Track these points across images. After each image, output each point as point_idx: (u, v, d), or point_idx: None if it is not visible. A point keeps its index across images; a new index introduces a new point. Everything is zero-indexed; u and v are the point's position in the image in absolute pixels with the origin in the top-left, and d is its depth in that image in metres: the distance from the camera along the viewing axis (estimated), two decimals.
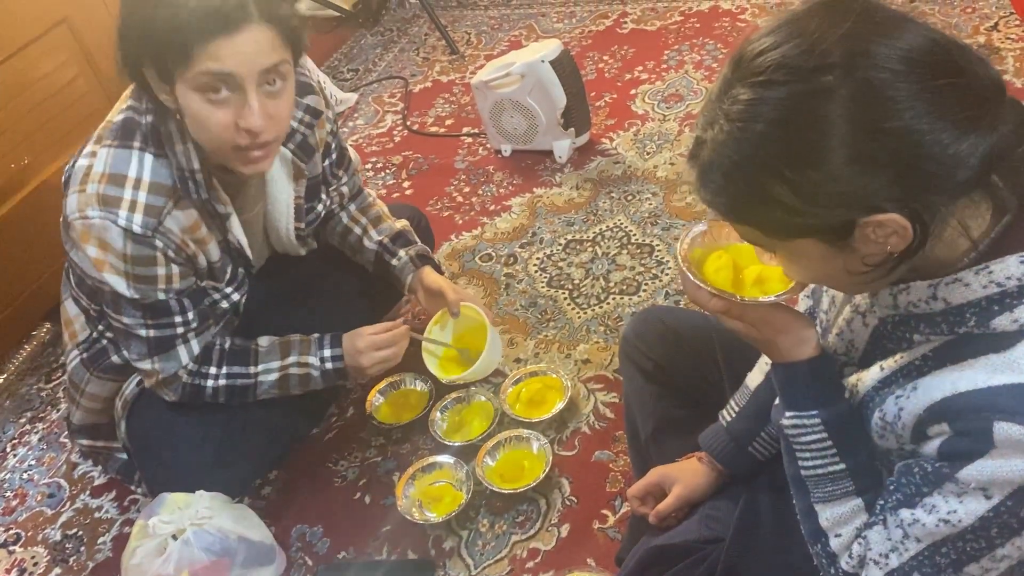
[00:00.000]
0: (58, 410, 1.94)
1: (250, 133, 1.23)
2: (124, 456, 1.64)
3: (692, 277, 0.92)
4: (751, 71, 0.72)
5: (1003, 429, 0.71)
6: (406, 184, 2.43)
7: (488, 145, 2.49)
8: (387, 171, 2.50)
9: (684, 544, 1.08)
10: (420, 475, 1.57)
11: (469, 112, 2.67)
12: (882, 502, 0.85)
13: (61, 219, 1.33)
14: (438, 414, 1.68)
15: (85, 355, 1.54)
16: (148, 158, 1.29)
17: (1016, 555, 0.76)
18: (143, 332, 1.39)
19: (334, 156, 1.61)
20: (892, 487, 0.84)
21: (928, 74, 0.68)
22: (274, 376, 1.50)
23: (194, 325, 1.43)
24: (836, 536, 0.88)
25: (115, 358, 1.52)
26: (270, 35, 1.20)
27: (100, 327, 1.52)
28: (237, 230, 1.43)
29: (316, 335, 1.54)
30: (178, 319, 1.41)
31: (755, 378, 1.17)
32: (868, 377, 0.88)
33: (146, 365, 1.43)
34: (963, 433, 0.75)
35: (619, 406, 1.64)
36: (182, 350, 1.44)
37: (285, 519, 1.60)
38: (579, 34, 2.95)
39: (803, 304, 1.14)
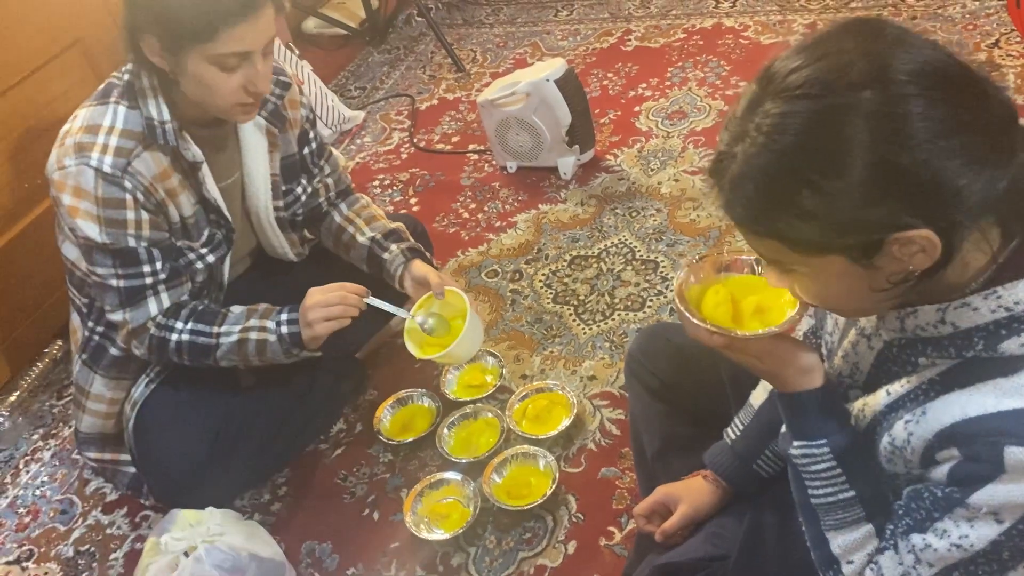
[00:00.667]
0: (70, 426, 1.96)
1: (256, 94, 1.39)
2: (132, 470, 1.67)
3: (690, 315, 0.93)
4: (783, 87, 0.73)
5: (1014, 454, 0.72)
6: (413, 201, 2.46)
7: (494, 162, 2.51)
8: (394, 188, 2.53)
9: (690, 562, 1.09)
10: (428, 492, 1.58)
11: (475, 129, 2.70)
12: (892, 527, 0.86)
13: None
14: (445, 430, 1.70)
15: (85, 356, 1.60)
16: (121, 109, 1.41)
17: None
18: (114, 282, 1.45)
19: (314, 146, 1.69)
20: (901, 512, 0.85)
21: (956, 98, 0.70)
22: (234, 338, 1.51)
23: (163, 277, 1.48)
24: (848, 563, 0.89)
25: (113, 350, 1.57)
26: (272, 9, 1.35)
27: (90, 323, 1.58)
28: (211, 184, 1.49)
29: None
30: (146, 268, 1.46)
31: (759, 396, 1.19)
32: (875, 402, 0.88)
33: (118, 316, 1.49)
34: (973, 458, 0.75)
35: (625, 423, 1.65)
36: (151, 301, 1.49)
37: (294, 535, 1.62)
38: (583, 51, 2.98)
39: (806, 323, 1.15)
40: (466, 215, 2.35)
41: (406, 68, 3.18)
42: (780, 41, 2.75)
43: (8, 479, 1.87)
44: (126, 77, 1.41)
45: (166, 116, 1.40)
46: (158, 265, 1.47)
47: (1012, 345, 0.74)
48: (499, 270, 2.13)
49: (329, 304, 1.49)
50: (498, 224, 2.29)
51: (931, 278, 0.75)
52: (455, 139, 2.70)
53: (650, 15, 3.11)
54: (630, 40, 2.98)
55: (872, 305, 0.81)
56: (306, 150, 1.67)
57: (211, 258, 1.54)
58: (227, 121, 1.50)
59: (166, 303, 1.50)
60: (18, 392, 2.02)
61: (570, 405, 1.67)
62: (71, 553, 1.68)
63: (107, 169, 1.37)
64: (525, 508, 1.51)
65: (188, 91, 1.38)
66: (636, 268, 2.03)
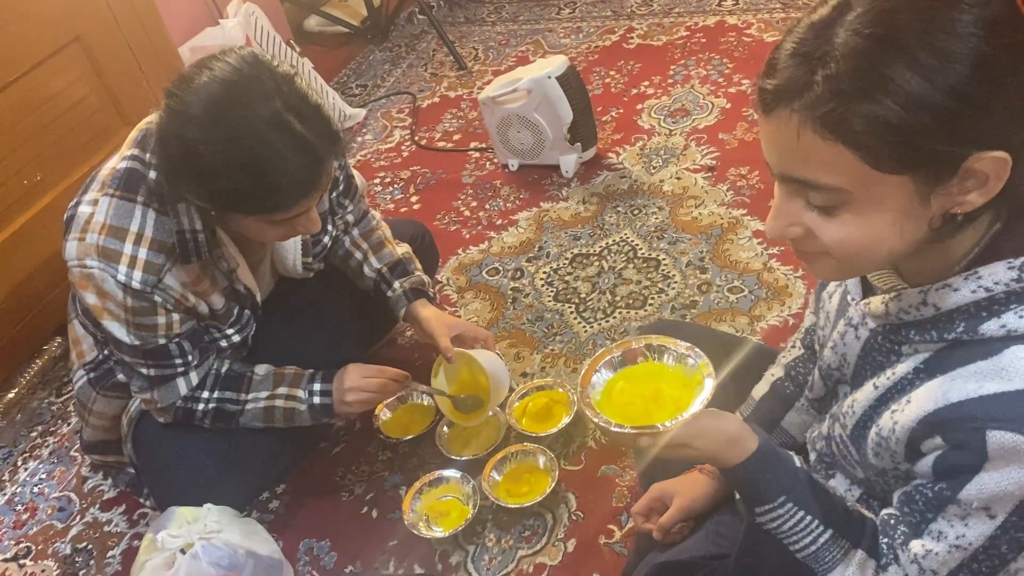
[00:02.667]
0: (69, 424, 1.95)
1: (306, 234, 1.34)
2: (133, 471, 1.66)
3: (607, 424, 0.92)
4: None
5: (996, 438, 0.71)
6: (414, 199, 2.45)
7: (495, 160, 2.50)
8: (395, 186, 2.52)
9: (691, 560, 1.08)
10: (427, 489, 1.57)
11: (476, 127, 2.69)
12: (887, 540, 0.85)
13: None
14: (445, 428, 1.69)
15: (92, 375, 1.56)
16: (151, 214, 1.30)
17: None
18: (144, 371, 1.42)
19: (340, 187, 1.61)
20: (895, 521, 0.84)
21: None
22: (261, 404, 1.51)
23: (194, 363, 1.45)
24: None
25: (121, 376, 1.54)
26: (333, 165, 1.27)
27: (107, 351, 1.54)
28: (245, 277, 1.44)
29: (310, 371, 1.54)
30: (178, 361, 1.43)
31: (760, 389, 1.18)
32: (863, 397, 0.88)
33: (146, 395, 1.46)
34: (957, 446, 0.75)
35: None
36: (181, 382, 1.46)
37: (292, 533, 1.61)
38: (586, 49, 2.97)
39: (808, 320, 1.15)
40: (467, 213, 2.34)
41: (407, 66, 3.17)
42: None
43: (6, 476, 1.86)
44: (153, 174, 1.29)
45: (199, 226, 1.31)
46: (189, 358, 1.43)
47: (992, 327, 0.74)
48: (500, 268, 2.12)
49: (369, 389, 1.53)
50: (499, 222, 2.28)
51: (967, 227, 0.74)
52: (456, 137, 2.69)
53: (652, 13, 3.10)
54: (632, 38, 2.97)
55: (892, 256, 0.76)
56: (334, 194, 1.60)
57: (236, 338, 1.50)
58: None
59: (195, 382, 1.47)
60: (16, 389, 2.01)
61: (570, 403, 1.66)
62: (68, 551, 1.67)
63: (136, 286, 1.29)
64: (524, 506, 1.50)
65: (229, 229, 1.32)
66: (638, 266, 2.02)
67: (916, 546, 0.80)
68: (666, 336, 1.03)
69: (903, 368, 0.82)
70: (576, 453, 1.62)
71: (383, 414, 1.75)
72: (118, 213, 1.29)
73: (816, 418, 1.11)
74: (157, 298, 1.32)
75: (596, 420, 0.93)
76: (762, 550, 1.04)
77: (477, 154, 2.57)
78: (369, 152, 2.70)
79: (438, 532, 1.50)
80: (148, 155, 1.30)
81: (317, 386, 1.52)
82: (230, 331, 1.48)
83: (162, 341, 1.38)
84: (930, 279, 0.78)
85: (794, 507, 0.88)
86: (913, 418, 0.78)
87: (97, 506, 1.75)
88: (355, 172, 1.66)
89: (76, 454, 1.86)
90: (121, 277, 1.28)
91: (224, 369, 1.51)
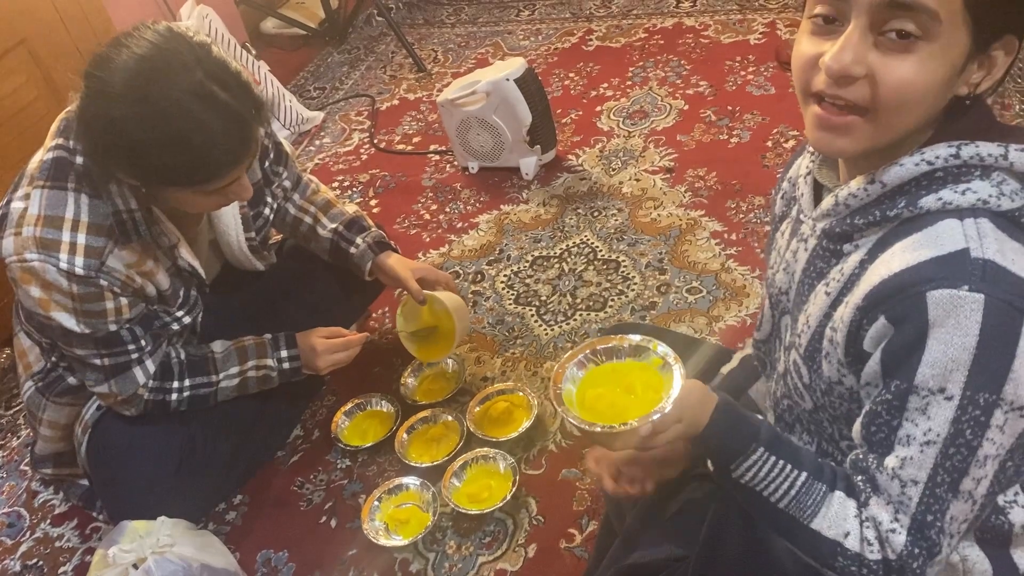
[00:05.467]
0: (18, 437, 1.90)
1: (239, 200, 1.35)
2: (86, 483, 1.62)
3: (601, 428, 0.90)
4: None
5: (934, 297, 0.74)
6: (373, 202, 2.43)
7: (455, 162, 2.49)
8: (354, 189, 2.49)
9: (653, 562, 1.08)
10: (386, 497, 1.56)
11: (436, 130, 2.67)
12: (862, 476, 0.85)
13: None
14: (404, 435, 1.67)
15: (40, 383, 1.53)
16: (84, 199, 1.28)
17: (994, 452, 0.78)
18: (98, 362, 1.39)
19: (272, 156, 1.61)
20: (862, 455, 0.85)
21: None
22: (234, 381, 1.54)
23: (148, 348, 1.43)
24: (846, 536, 0.86)
25: (71, 379, 1.51)
26: (261, 132, 1.28)
27: (54, 358, 1.51)
28: (187, 254, 1.43)
29: (268, 336, 1.57)
30: (131, 347, 1.40)
31: (729, 366, 1.21)
32: (816, 309, 0.90)
33: (103, 389, 1.43)
34: (899, 320, 0.77)
35: None
36: (138, 371, 1.43)
37: (249, 544, 1.58)
38: (545, 51, 2.97)
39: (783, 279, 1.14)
40: (427, 216, 2.32)
41: (366, 68, 3.14)
42: (741, 40, 2.76)
43: None
44: (80, 160, 1.27)
45: (134, 204, 1.30)
46: (142, 342, 1.41)
47: (930, 200, 0.79)
48: (461, 271, 2.11)
49: (334, 350, 1.58)
50: (460, 225, 2.26)
51: (962, 111, 0.80)
52: (416, 140, 2.67)
53: (611, 15, 3.11)
54: (591, 40, 2.97)
55: (915, 126, 0.80)
56: (266, 163, 1.59)
57: (187, 319, 1.48)
58: None
59: (151, 369, 1.45)
60: None
61: (531, 407, 1.66)
62: (18, 567, 1.62)
63: (79, 272, 1.27)
64: (485, 512, 1.49)
65: (162, 205, 1.32)
66: (598, 268, 2.02)
67: (891, 460, 0.81)
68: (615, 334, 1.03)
69: (849, 265, 0.85)
70: (537, 457, 1.61)
71: (341, 422, 1.73)
72: (51, 203, 1.27)
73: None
74: (103, 282, 1.30)
75: (589, 428, 0.91)
76: (724, 551, 1.04)
77: (437, 157, 2.55)
78: (327, 155, 2.67)
79: (398, 540, 1.49)
80: (72, 142, 1.29)
81: (284, 352, 1.56)
82: (179, 313, 1.47)
83: (113, 327, 1.35)
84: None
85: (765, 451, 0.89)
86: (860, 296, 0.81)
87: (48, 521, 1.71)
88: (283, 140, 1.68)
89: (26, 468, 1.81)
90: (63, 265, 1.26)
91: (184, 356, 1.51)
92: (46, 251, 1.25)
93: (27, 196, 1.29)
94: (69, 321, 1.31)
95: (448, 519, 1.53)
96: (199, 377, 1.51)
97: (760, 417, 0.93)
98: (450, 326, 1.66)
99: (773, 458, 0.89)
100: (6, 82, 2.00)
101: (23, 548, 1.66)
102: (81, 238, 1.27)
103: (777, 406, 1.06)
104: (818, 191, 0.94)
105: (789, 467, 0.89)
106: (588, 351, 1.01)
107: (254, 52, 2.78)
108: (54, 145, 1.31)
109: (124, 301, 1.34)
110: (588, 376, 1.00)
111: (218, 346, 1.54)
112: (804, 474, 0.88)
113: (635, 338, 1.00)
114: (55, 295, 1.28)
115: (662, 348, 0.97)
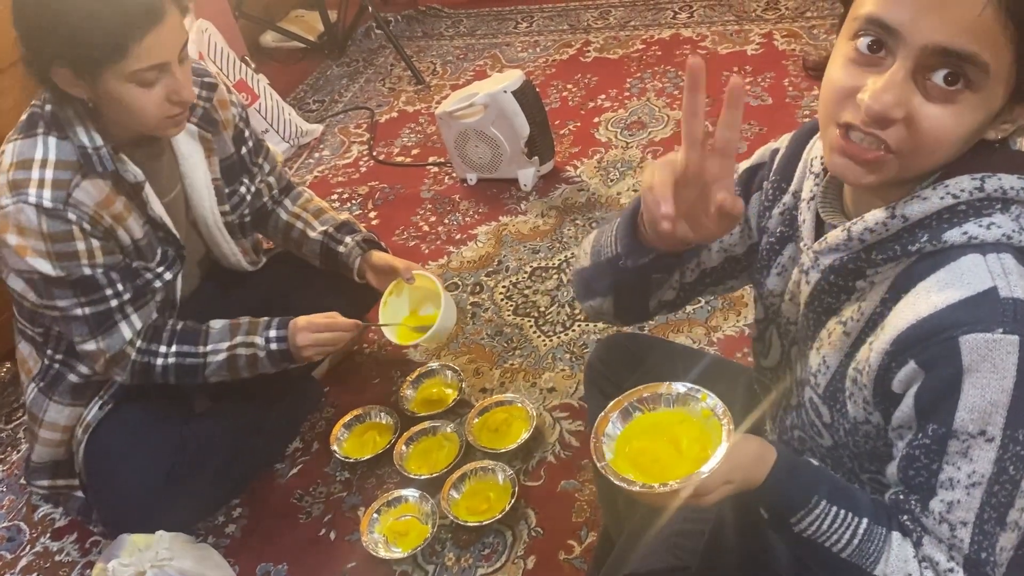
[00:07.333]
0: (18, 451, 1.91)
1: (181, 103, 1.34)
2: (82, 495, 1.62)
3: (650, 488, 0.82)
4: None
5: (968, 342, 0.72)
6: (372, 214, 2.44)
7: (454, 174, 2.50)
8: (353, 201, 2.50)
9: (652, 572, 1.08)
10: (385, 509, 1.56)
11: (435, 142, 2.68)
12: (907, 516, 0.83)
13: None
14: (403, 447, 1.67)
15: (42, 383, 1.55)
16: (52, 140, 1.34)
17: None
18: (79, 311, 1.41)
19: (250, 144, 1.65)
20: (903, 496, 0.83)
21: None
22: (222, 356, 1.52)
23: (128, 298, 1.45)
24: None
25: (72, 377, 1.53)
26: (179, 14, 1.31)
27: (49, 351, 1.53)
28: (155, 202, 1.45)
29: (265, 318, 1.57)
30: (109, 292, 1.42)
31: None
32: (833, 346, 0.86)
33: (91, 346, 1.45)
34: (931, 366, 0.75)
35: (585, 435, 1.64)
36: (123, 325, 1.45)
37: (248, 557, 1.58)
38: (543, 63, 2.98)
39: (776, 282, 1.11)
40: (426, 228, 2.33)
41: (365, 81, 3.16)
42: (738, 51, 2.78)
43: None
44: (48, 107, 1.35)
45: (99, 142, 1.35)
46: (119, 287, 1.43)
47: (955, 235, 0.76)
48: (460, 283, 2.11)
49: (318, 329, 1.54)
50: (458, 237, 2.27)
51: (975, 154, 0.77)
52: (415, 152, 2.68)
53: (609, 26, 3.13)
54: (589, 51, 2.99)
55: (946, 160, 0.78)
56: (243, 150, 1.64)
57: (168, 275, 1.51)
58: (160, 136, 1.46)
59: (138, 324, 1.47)
60: None
61: (529, 418, 1.66)
62: None
63: (47, 204, 1.31)
64: (484, 524, 1.49)
65: (111, 115, 1.35)
66: None
67: (935, 504, 0.79)
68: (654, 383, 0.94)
69: (869, 304, 0.82)
70: (536, 468, 1.61)
71: (341, 434, 1.73)
72: (22, 150, 1.34)
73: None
74: (71, 215, 1.33)
75: (633, 488, 0.83)
76: (724, 562, 1.04)
77: (435, 169, 2.56)
78: (327, 168, 2.68)
79: (397, 553, 1.49)
80: (43, 101, 1.35)
81: (272, 332, 1.54)
82: (160, 269, 1.49)
83: (87, 271, 1.38)
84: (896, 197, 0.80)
85: (828, 504, 0.85)
86: (887, 340, 0.78)
87: (48, 535, 1.71)
88: (271, 145, 1.71)
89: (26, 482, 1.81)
90: (31, 199, 1.31)
91: (179, 326, 1.52)
92: (17, 191, 1.31)
93: (2, 152, 1.37)
94: (45, 266, 1.35)
95: (447, 531, 1.53)
96: (187, 346, 1.50)
97: (816, 463, 0.90)
98: (434, 288, 1.60)
99: (835, 509, 0.85)
100: (6, 98, 2.01)
101: (23, 562, 1.66)
102: (48, 173, 1.33)
103: (784, 433, 1.04)
104: (819, 220, 0.90)
105: (851, 515, 0.85)
106: (634, 399, 0.93)
107: (253, 65, 2.80)
108: (28, 108, 1.38)
109: (96, 243, 1.37)
110: (631, 426, 0.93)
111: (216, 323, 1.55)
112: (865, 520, 0.85)
113: (681, 388, 0.92)
114: (29, 240, 1.33)
115: (711, 400, 0.90)
